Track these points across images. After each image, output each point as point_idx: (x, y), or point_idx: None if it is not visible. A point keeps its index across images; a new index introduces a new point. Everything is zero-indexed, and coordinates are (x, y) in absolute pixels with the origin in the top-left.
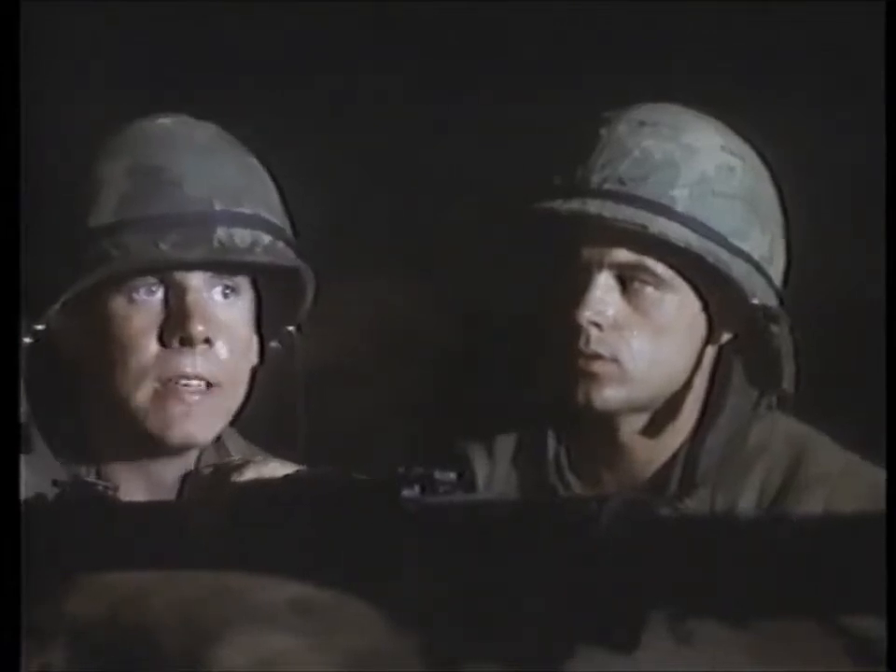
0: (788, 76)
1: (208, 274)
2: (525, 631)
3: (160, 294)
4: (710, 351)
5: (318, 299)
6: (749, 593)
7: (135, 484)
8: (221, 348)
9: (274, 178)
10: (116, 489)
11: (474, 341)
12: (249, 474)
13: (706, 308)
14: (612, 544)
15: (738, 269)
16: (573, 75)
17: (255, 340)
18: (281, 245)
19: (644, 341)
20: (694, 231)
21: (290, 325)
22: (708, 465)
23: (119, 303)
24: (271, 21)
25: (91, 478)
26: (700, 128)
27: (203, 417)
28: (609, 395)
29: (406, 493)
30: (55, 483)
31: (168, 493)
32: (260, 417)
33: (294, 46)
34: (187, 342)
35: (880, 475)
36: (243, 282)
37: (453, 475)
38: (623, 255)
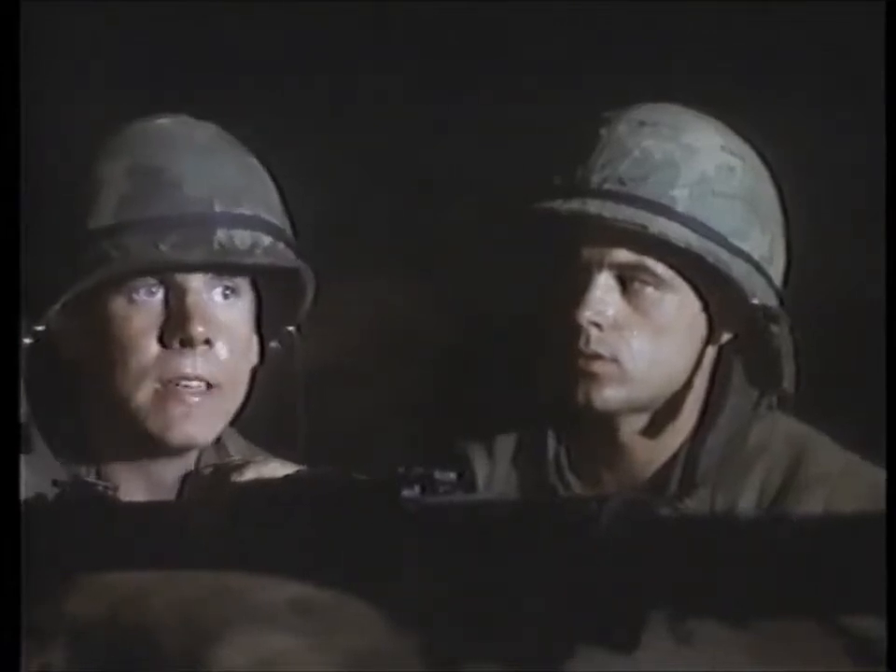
0: (788, 76)
1: (208, 275)
2: (525, 631)
3: (160, 295)
4: (710, 351)
5: (318, 299)
6: (749, 593)
7: (135, 485)
8: (221, 349)
9: (274, 178)
10: (116, 489)
11: (474, 341)
12: (249, 474)
13: (706, 308)
14: (612, 544)
15: (738, 269)
16: (573, 75)
17: (255, 340)
18: (281, 245)
19: (644, 341)
20: (694, 231)
21: (290, 325)
22: (708, 465)
23: (119, 304)
24: (271, 21)
25: (91, 478)
26: (700, 128)
27: (203, 418)
28: (609, 395)
29: (406, 493)
30: (55, 483)
31: (168, 493)
32: (260, 417)
33: (294, 46)
34: (187, 343)
35: (880, 475)
36: (243, 282)
37: (453, 475)
38: (622, 255)
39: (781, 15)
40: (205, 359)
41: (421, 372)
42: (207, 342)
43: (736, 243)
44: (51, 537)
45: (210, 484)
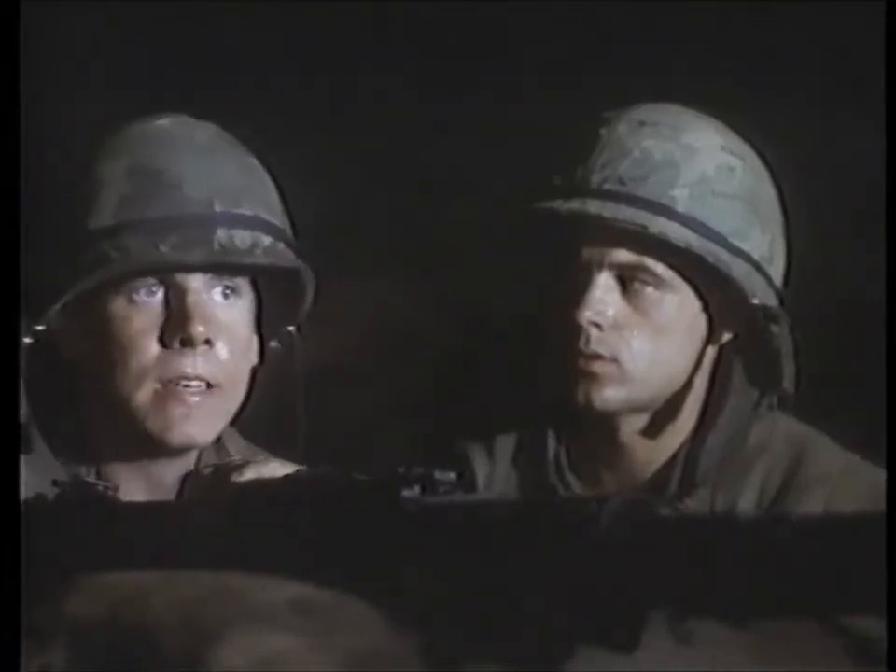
0: (788, 76)
1: (208, 275)
2: (525, 631)
3: (160, 295)
4: (710, 351)
5: (318, 299)
6: (749, 593)
7: (135, 485)
8: (221, 349)
9: (274, 178)
10: (116, 489)
11: (474, 341)
12: (249, 474)
13: (706, 308)
14: (612, 544)
15: (738, 269)
16: (573, 75)
17: (255, 340)
18: (281, 246)
19: (644, 341)
20: (694, 231)
21: (290, 325)
22: (708, 465)
23: (119, 304)
24: (271, 21)
25: (91, 478)
26: (700, 128)
27: (203, 418)
28: (608, 395)
29: (406, 493)
30: (55, 483)
31: (168, 493)
32: (260, 417)
33: (294, 46)
34: (187, 343)
35: (880, 475)
36: (243, 282)
37: (453, 475)
38: (622, 255)
39: (781, 15)
40: (205, 359)
41: (421, 372)
42: (207, 341)
43: (736, 243)
44: (51, 537)
45: (210, 484)
